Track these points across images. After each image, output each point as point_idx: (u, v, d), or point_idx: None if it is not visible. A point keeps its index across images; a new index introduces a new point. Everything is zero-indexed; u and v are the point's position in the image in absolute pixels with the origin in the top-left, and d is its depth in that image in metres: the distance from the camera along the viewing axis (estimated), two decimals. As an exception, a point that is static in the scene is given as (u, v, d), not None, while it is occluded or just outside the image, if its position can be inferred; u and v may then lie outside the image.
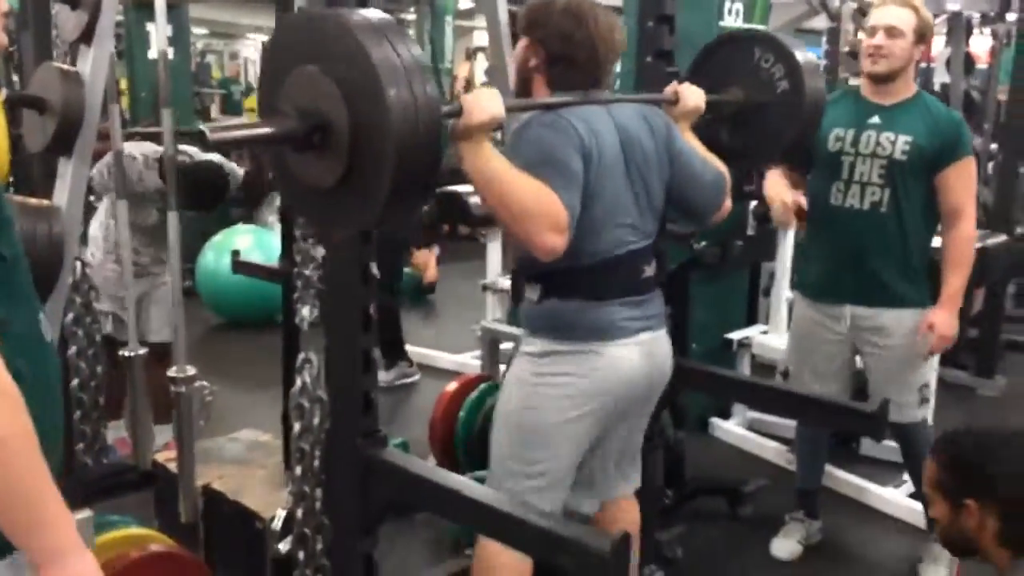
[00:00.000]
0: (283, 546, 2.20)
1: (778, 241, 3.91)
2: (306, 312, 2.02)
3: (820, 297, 2.90)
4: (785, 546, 3.13)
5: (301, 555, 2.09)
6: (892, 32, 2.71)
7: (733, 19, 3.95)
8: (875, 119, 2.77)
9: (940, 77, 6.14)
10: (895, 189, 2.73)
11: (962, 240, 2.74)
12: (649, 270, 2.13)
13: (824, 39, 6.02)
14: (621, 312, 2.06)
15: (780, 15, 4.32)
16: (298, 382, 2.03)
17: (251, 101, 12.43)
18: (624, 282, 2.08)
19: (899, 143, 2.71)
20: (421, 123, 1.38)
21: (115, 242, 3.47)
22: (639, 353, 2.09)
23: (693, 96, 2.23)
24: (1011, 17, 5.33)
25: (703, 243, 3.61)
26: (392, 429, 3.81)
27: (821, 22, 6.07)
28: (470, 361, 4.78)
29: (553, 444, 2.06)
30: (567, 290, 2.05)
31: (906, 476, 3.24)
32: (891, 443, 3.26)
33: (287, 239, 2.22)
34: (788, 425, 3.84)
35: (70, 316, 2.50)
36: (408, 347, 5.16)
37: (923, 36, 2.76)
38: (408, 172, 1.39)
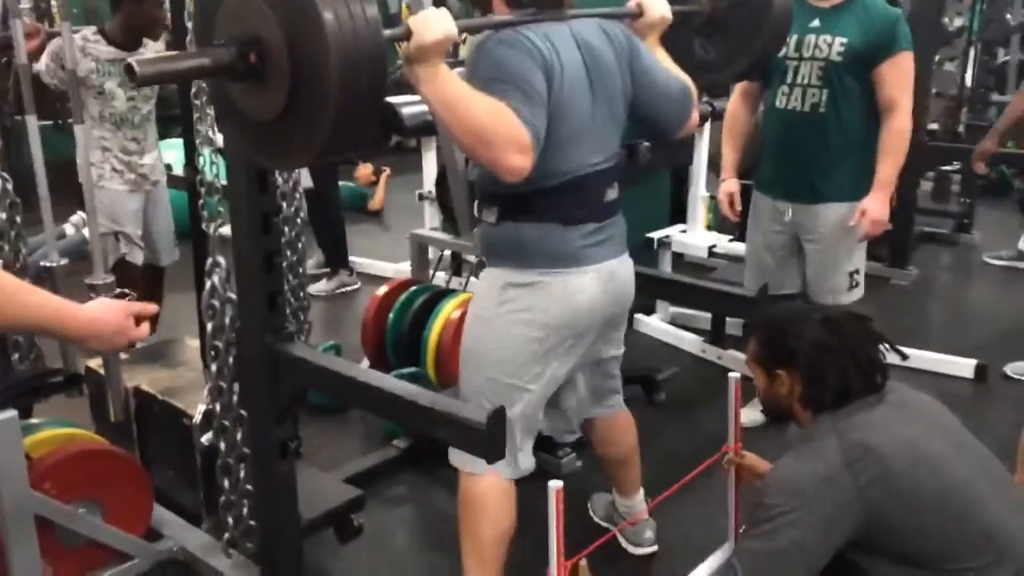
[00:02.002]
0: (205, 438, 2.37)
1: (695, 144, 4.05)
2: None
3: (769, 192, 3.08)
4: (749, 414, 3.27)
5: (223, 445, 2.27)
6: None
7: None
8: (815, 22, 2.87)
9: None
10: (833, 90, 2.85)
11: (895, 131, 2.84)
12: (612, 193, 2.07)
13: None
14: (583, 239, 2.01)
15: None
16: (208, 285, 2.17)
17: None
18: (587, 206, 2.01)
19: (835, 45, 2.82)
20: (362, 46, 1.32)
21: (118, 157, 3.48)
22: (596, 281, 2.03)
23: (658, 7, 2.14)
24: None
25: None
26: (332, 335, 4.01)
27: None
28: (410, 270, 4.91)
29: (521, 377, 2.03)
30: (527, 213, 1.98)
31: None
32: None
33: (189, 147, 2.32)
34: (705, 317, 4.06)
35: (-4, 231, 2.61)
36: (355, 259, 5.30)
37: None
38: (351, 99, 1.34)
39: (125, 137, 3.46)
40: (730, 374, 2.23)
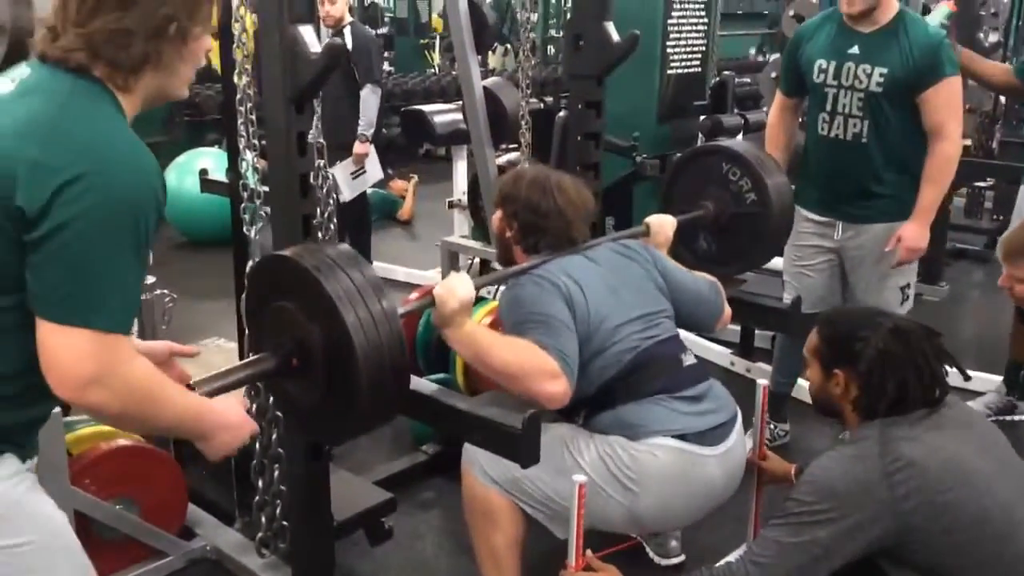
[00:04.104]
0: (241, 437, 2.39)
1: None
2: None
3: (815, 210, 3.03)
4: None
5: (257, 446, 2.30)
6: None
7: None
8: (854, 49, 2.81)
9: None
10: (875, 119, 2.80)
11: (940, 158, 2.79)
12: (688, 358, 2.11)
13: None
14: (688, 405, 2.01)
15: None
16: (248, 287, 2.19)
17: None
18: (666, 371, 2.05)
19: (874, 75, 2.76)
20: (383, 337, 1.51)
21: None
22: (717, 465, 2.01)
23: (664, 229, 2.38)
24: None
25: (643, 156, 3.74)
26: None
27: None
28: (439, 277, 4.94)
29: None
30: (610, 403, 2.02)
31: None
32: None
33: (232, 153, 2.35)
34: (734, 330, 4.05)
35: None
36: (380, 264, 5.33)
37: None
38: (378, 383, 1.52)
39: None
40: (759, 380, 2.24)
